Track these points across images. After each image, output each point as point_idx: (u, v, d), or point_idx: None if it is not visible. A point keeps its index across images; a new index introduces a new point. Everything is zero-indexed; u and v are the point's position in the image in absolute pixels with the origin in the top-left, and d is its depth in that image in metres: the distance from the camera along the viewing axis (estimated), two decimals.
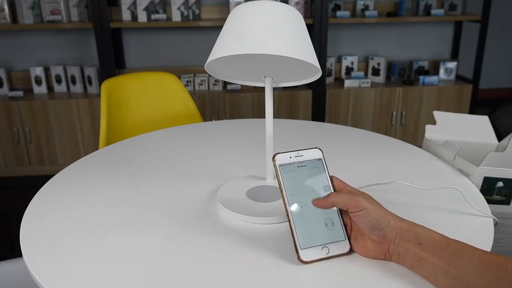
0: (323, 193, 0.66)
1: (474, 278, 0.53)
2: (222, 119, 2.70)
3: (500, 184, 0.88)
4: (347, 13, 2.74)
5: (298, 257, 0.62)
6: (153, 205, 0.81)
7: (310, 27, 2.59)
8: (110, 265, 0.64)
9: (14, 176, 2.64)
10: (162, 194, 0.86)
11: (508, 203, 0.89)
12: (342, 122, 2.81)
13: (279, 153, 0.67)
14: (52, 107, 2.55)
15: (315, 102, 2.71)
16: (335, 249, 0.63)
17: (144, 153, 1.08)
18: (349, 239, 0.64)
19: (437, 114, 1.09)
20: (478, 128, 1.08)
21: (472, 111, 2.88)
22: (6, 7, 2.53)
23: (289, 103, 2.71)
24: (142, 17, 2.57)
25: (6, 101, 2.52)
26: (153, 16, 2.58)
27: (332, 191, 0.67)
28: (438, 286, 0.57)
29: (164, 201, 0.83)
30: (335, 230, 0.64)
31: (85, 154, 2.62)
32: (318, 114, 2.73)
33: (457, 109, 2.86)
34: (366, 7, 2.83)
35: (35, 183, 1.03)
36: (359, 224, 0.62)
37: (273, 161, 0.66)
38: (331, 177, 0.68)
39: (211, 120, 2.69)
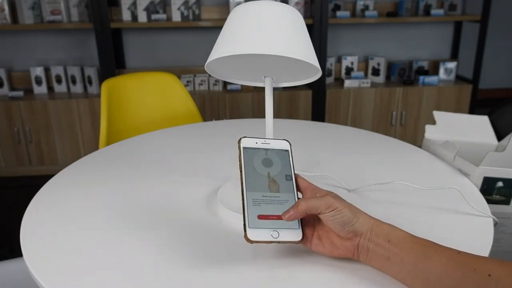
0: (284, 182, 0.65)
1: (441, 279, 0.53)
2: (222, 119, 2.70)
3: (500, 184, 0.88)
4: (347, 13, 2.74)
5: (245, 236, 0.59)
6: (153, 205, 0.81)
7: (310, 27, 2.58)
8: (110, 265, 0.64)
9: (14, 176, 2.64)
10: (162, 194, 0.86)
11: (508, 203, 0.89)
12: (342, 122, 2.81)
13: (245, 137, 0.68)
14: (52, 107, 2.55)
15: (315, 102, 2.71)
16: (285, 235, 0.61)
17: (144, 153, 1.08)
18: (303, 232, 0.62)
19: (437, 114, 1.09)
20: (478, 128, 1.09)
21: (472, 111, 2.88)
22: (6, 7, 2.53)
23: (289, 103, 2.71)
24: (142, 17, 2.57)
25: (6, 101, 2.52)
26: (153, 16, 2.58)
27: (294, 182, 0.66)
28: (407, 285, 0.57)
29: (164, 201, 0.83)
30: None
31: (85, 154, 2.62)
32: (318, 114, 2.73)
33: (457, 109, 2.86)
34: (366, 7, 2.83)
35: (35, 183, 1.03)
36: (329, 223, 0.60)
37: (238, 143, 0.67)
38: (296, 175, 0.67)
39: (211, 120, 2.69)
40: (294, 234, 0.61)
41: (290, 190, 0.65)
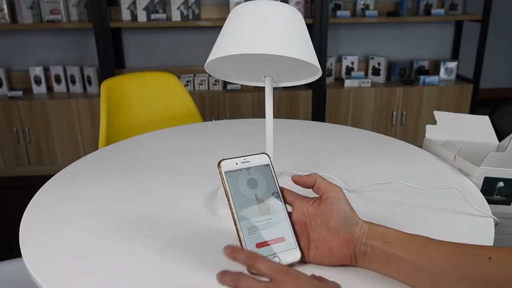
0: (272, 201, 0.64)
1: (445, 267, 0.53)
2: (222, 119, 2.70)
3: (501, 184, 0.88)
4: (347, 13, 2.74)
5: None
6: (153, 205, 0.81)
7: (310, 27, 2.58)
8: (110, 265, 0.64)
9: (14, 176, 2.64)
10: (162, 194, 0.86)
11: (509, 203, 0.89)
12: (342, 122, 2.81)
13: (224, 159, 0.65)
14: (51, 107, 2.55)
15: (315, 102, 2.70)
16: (286, 258, 0.61)
17: (143, 153, 1.07)
18: (300, 248, 0.62)
19: (437, 114, 1.09)
20: (479, 128, 1.08)
21: (472, 111, 2.87)
22: (5, 7, 2.52)
23: (289, 103, 2.71)
24: (141, 17, 2.57)
25: (6, 101, 2.52)
26: (153, 16, 2.58)
27: (281, 197, 0.65)
28: (410, 284, 0.56)
29: (164, 201, 0.83)
30: (285, 239, 0.62)
31: (85, 154, 2.62)
32: (318, 114, 2.73)
33: (458, 109, 2.86)
34: (366, 7, 2.83)
35: (35, 183, 1.03)
36: (333, 215, 0.59)
37: (218, 168, 0.64)
38: (282, 189, 0.66)
39: (211, 120, 2.68)
40: (293, 255, 0.62)
41: (280, 209, 0.64)
